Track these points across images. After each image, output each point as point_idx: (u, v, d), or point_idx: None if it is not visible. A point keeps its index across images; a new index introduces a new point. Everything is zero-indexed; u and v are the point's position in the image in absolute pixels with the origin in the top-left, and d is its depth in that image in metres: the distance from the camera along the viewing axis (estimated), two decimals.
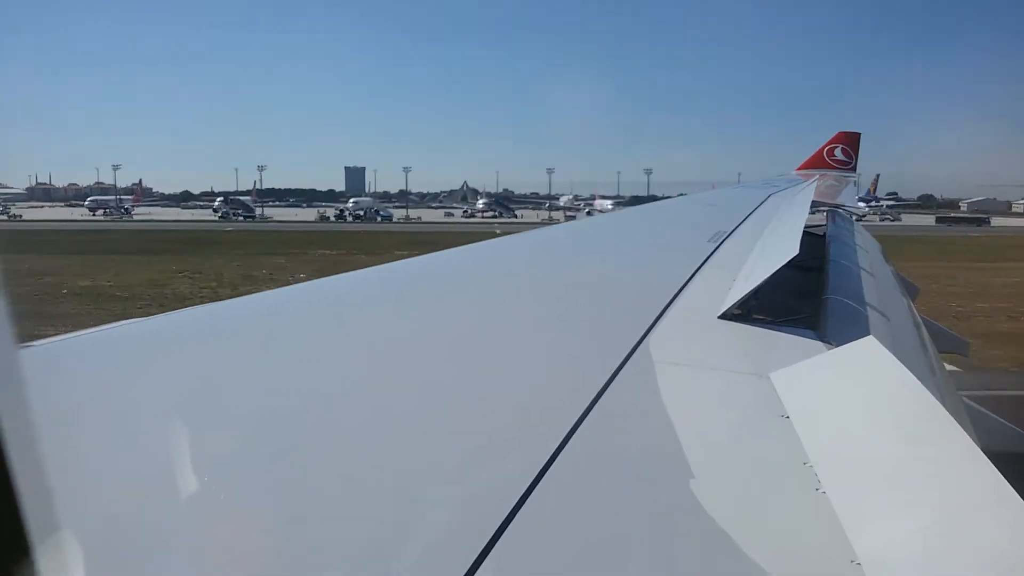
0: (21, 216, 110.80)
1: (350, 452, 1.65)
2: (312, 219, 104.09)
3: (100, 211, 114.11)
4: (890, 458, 1.67)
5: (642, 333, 2.57)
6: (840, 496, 1.48)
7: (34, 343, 2.20)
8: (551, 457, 1.57)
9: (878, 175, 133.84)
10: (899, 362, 1.96)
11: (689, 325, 2.83)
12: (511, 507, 1.36)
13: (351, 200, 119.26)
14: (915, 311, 5.76)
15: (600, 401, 1.92)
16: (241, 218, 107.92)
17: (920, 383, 1.83)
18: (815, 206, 8.92)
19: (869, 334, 2.43)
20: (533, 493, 1.42)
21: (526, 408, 1.96)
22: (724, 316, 2.86)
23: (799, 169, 19.42)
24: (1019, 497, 1.32)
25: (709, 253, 4.42)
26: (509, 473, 1.53)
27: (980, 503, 1.40)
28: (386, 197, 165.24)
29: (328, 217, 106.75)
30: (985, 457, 1.47)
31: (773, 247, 4.13)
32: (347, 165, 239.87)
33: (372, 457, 1.62)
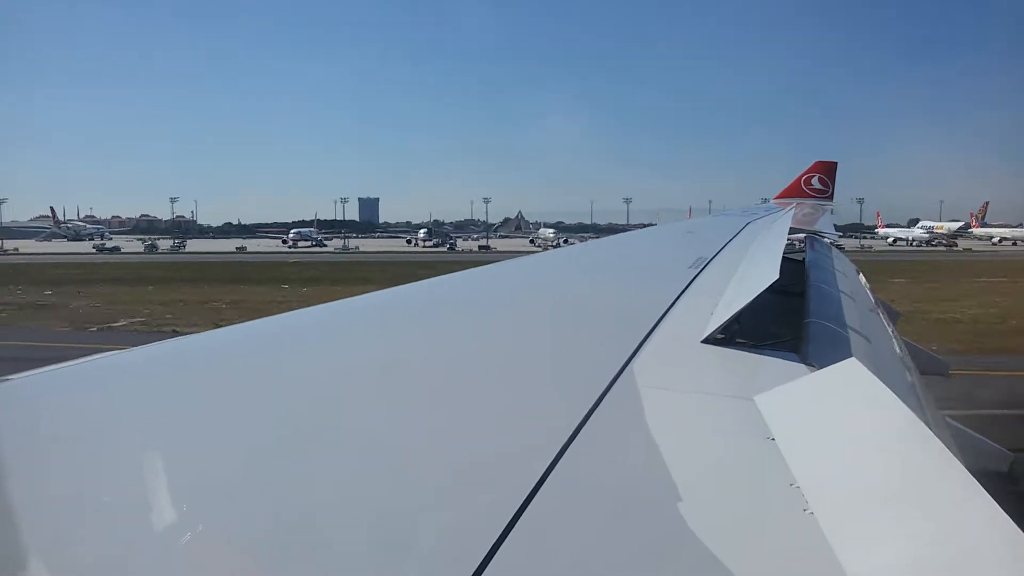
0: (245, 248, 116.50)
1: (349, 471, 1.64)
2: (525, 247, 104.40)
3: (301, 242, 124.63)
4: (876, 478, 1.67)
5: (626, 358, 2.57)
6: (828, 517, 1.48)
7: (10, 377, 2.16)
8: (537, 483, 1.56)
9: (987, 202, 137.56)
10: (881, 383, 1.97)
11: (673, 350, 2.84)
12: (496, 536, 1.33)
13: (543, 229, 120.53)
14: (896, 333, 5.82)
15: (585, 427, 1.91)
16: (446, 248, 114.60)
17: (903, 403, 1.84)
18: (793, 232, 9.05)
19: (851, 356, 2.45)
20: (520, 519, 1.40)
21: (511, 434, 1.94)
22: (707, 340, 2.87)
23: (777, 198, 19.78)
24: (1006, 515, 1.32)
25: (691, 279, 4.44)
26: (494, 500, 1.51)
27: (968, 522, 1.40)
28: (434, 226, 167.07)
29: (548, 246, 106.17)
30: (971, 476, 1.47)
31: (754, 273, 4.17)
32: (360, 196, 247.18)
33: (357, 488, 1.60)
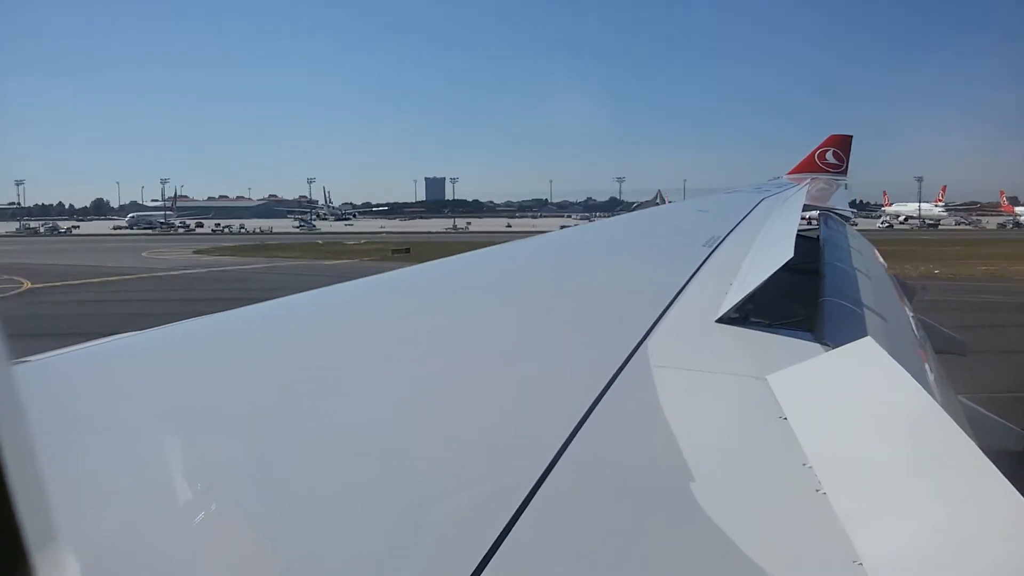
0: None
1: (352, 461, 1.64)
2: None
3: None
4: (889, 458, 1.67)
5: (640, 337, 2.57)
6: (840, 497, 1.49)
7: (29, 358, 2.19)
8: (552, 461, 1.57)
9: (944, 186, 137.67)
10: (896, 362, 1.97)
11: (687, 329, 2.84)
12: (512, 512, 1.35)
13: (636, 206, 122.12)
14: (912, 312, 5.77)
15: (599, 405, 1.92)
16: None
17: (917, 383, 1.84)
18: (807, 209, 8.95)
19: (866, 335, 2.44)
20: (534, 498, 1.42)
21: (525, 412, 1.96)
22: (721, 320, 2.87)
23: (790, 173, 19.46)
24: (1019, 495, 1.32)
25: (704, 258, 4.42)
26: (510, 478, 1.52)
27: (981, 501, 1.40)
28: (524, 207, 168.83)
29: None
30: (984, 456, 1.47)
31: (768, 251, 4.14)
32: (427, 176, 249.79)
33: (375, 466, 1.62)
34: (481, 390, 2.14)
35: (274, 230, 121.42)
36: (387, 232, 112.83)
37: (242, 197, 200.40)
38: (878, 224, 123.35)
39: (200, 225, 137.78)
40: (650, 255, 5.77)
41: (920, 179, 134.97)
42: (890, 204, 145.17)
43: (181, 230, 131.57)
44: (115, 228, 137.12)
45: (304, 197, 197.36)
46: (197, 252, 72.95)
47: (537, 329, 2.93)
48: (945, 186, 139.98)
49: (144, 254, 71.48)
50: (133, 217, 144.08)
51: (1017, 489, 1.34)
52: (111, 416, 1.86)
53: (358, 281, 3.75)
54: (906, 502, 1.48)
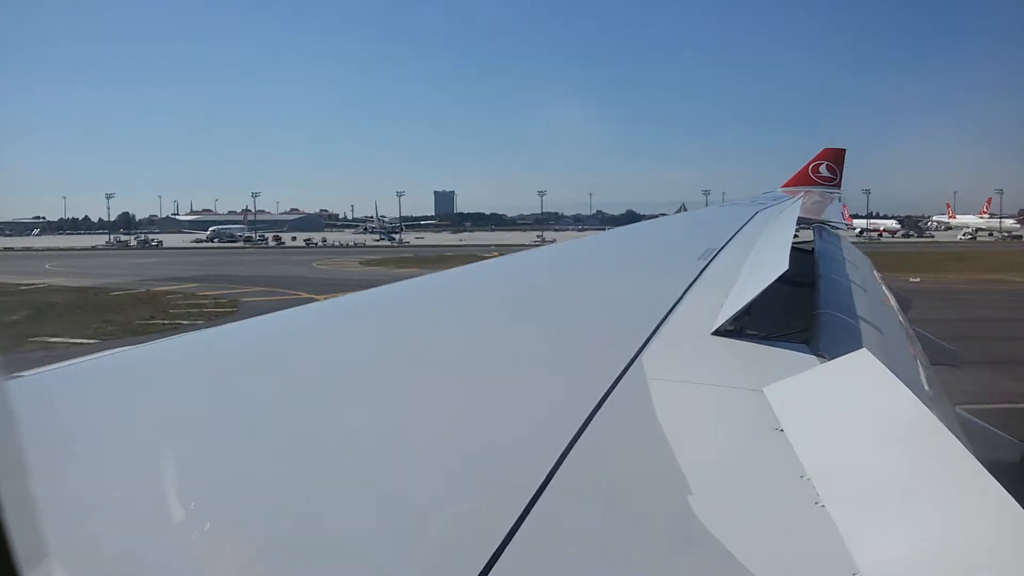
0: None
1: (356, 466, 1.65)
2: None
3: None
4: (886, 469, 1.67)
5: (636, 350, 2.57)
6: (838, 508, 1.48)
7: (24, 373, 2.18)
8: (548, 474, 1.57)
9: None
10: (892, 374, 1.97)
11: (683, 342, 2.84)
12: (509, 527, 1.35)
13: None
14: (907, 323, 5.79)
15: (595, 418, 1.91)
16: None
17: (913, 394, 1.84)
18: (801, 222, 8.99)
19: (862, 347, 2.45)
20: (531, 512, 1.41)
21: (521, 425, 1.96)
22: (717, 332, 2.87)
23: (784, 186, 19.57)
24: (1018, 505, 1.33)
25: (700, 270, 4.43)
26: (505, 492, 1.52)
27: (979, 512, 1.41)
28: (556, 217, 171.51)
29: None
30: (981, 466, 1.47)
31: (763, 263, 4.16)
32: (435, 189, 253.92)
33: (379, 471, 1.62)
34: (480, 401, 2.14)
35: (367, 243, 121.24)
36: (479, 244, 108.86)
37: (263, 211, 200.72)
38: (959, 236, 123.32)
39: (278, 238, 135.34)
40: (645, 268, 5.79)
41: (1001, 191, 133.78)
42: (954, 216, 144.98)
43: (273, 243, 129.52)
44: (195, 241, 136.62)
45: (325, 211, 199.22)
46: (364, 264, 73.01)
47: (534, 341, 2.94)
48: (991, 198, 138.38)
49: (314, 264, 72.42)
50: (214, 230, 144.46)
51: (1016, 499, 1.34)
52: (105, 431, 1.85)
53: (368, 291, 3.84)
54: (904, 513, 1.48)
